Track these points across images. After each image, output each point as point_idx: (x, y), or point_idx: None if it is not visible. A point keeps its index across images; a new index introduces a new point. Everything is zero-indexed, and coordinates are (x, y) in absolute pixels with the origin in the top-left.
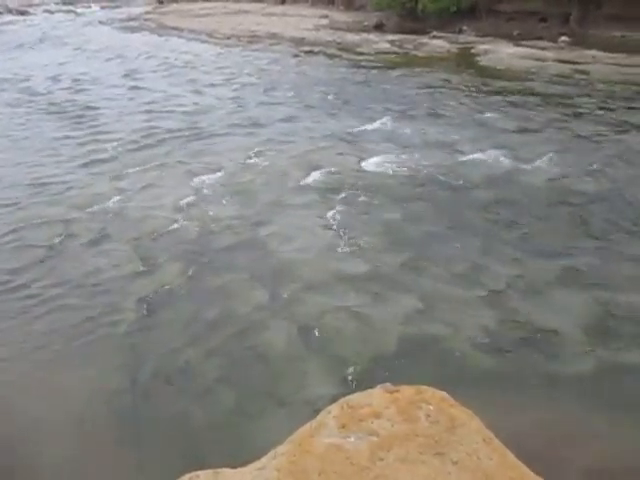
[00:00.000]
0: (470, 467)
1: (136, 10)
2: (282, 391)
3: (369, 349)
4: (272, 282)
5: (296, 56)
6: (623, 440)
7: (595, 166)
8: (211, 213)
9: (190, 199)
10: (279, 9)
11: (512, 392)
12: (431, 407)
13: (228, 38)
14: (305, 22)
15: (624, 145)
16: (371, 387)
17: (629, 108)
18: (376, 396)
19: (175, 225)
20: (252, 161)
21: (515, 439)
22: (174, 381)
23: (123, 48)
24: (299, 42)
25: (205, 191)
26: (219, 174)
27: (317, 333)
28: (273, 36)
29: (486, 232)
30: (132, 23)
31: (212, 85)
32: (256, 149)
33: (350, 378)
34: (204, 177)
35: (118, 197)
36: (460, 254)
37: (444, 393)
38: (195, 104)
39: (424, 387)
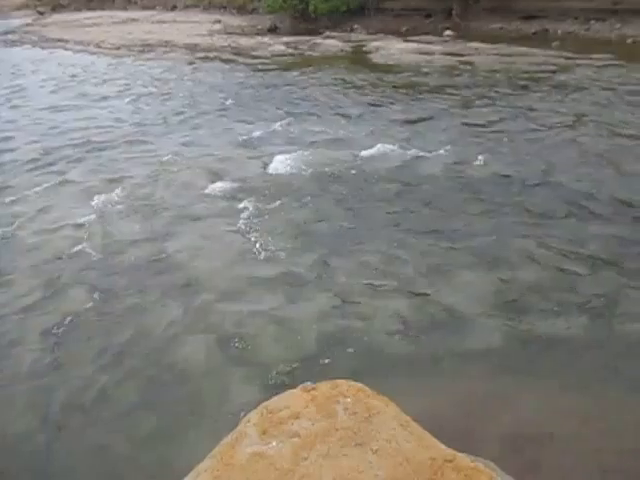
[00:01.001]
0: (390, 453)
1: (14, 22)
2: (204, 406)
3: (289, 351)
4: (184, 296)
5: (191, 63)
6: (534, 406)
7: (486, 151)
8: (115, 232)
9: (91, 219)
10: (170, 16)
11: (427, 374)
12: (348, 400)
13: (118, 48)
14: (198, 28)
15: (510, 129)
16: (293, 389)
17: (512, 94)
18: (294, 397)
19: (76, 248)
20: (153, 174)
21: (433, 419)
22: (89, 412)
23: (1, 63)
24: (193, 49)
25: (107, 209)
26: (120, 190)
27: (235, 342)
28: (166, 44)
29: (391, 222)
30: (10, 36)
31: (105, 98)
32: (157, 161)
33: (272, 382)
34: (104, 194)
35: (12, 223)
36: (369, 246)
37: (360, 384)
38: (88, 118)
39: (340, 381)
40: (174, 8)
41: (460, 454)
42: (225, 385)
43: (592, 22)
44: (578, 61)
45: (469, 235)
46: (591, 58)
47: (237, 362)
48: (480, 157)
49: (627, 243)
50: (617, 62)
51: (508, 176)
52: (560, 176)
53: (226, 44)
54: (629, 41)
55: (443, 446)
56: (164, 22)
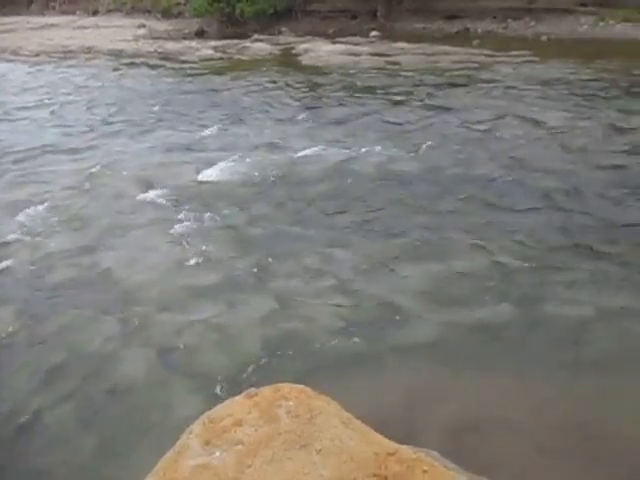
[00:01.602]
0: (334, 452)
1: None
2: (146, 422)
3: (232, 358)
4: (120, 310)
5: (116, 69)
6: (475, 394)
7: (416, 147)
8: (43, 248)
9: (17, 236)
10: (91, 21)
11: (370, 370)
12: (291, 403)
13: (37, 55)
14: (122, 33)
15: (438, 126)
16: (237, 396)
17: (437, 92)
18: (237, 404)
19: (1, 266)
20: (83, 185)
21: (376, 414)
22: (23, 438)
23: None
24: (118, 54)
25: (33, 224)
26: (47, 203)
27: (176, 353)
28: (88, 50)
29: (329, 222)
30: None
31: (25, 108)
32: (85, 172)
33: (217, 392)
34: (30, 209)
35: None
36: (306, 248)
37: (302, 386)
38: (8, 131)
39: (282, 385)
40: (95, 13)
41: (403, 446)
42: (168, 398)
43: (509, 21)
44: (498, 58)
45: (405, 230)
46: (510, 55)
47: (179, 374)
48: (411, 154)
49: (554, 232)
50: (534, 58)
51: (439, 171)
52: (486, 170)
53: (152, 49)
54: (544, 38)
55: (386, 440)
56: (85, 27)
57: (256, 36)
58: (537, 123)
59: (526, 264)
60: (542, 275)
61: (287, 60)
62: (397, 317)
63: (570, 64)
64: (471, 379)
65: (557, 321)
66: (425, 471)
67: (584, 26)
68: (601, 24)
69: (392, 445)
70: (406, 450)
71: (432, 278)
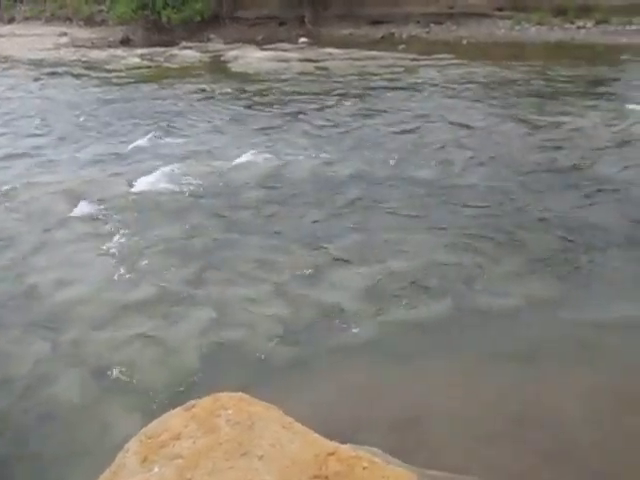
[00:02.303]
0: (275, 457)
1: None
2: (82, 444)
3: (171, 371)
4: (51, 330)
5: (37, 79)
6: (415, 389)
7: (348, 151)
8: None
9: None
10: (7, 29)
11: (311, 372)
12: (230, 411)
13: None
14: (42, 41)
15: (368, 129)
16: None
17: (366, 95)
18: (174, 418)
19: None
20: (5, 202)
21: (319, 415)
22: None
23: None
24: (38, 64)
25: None
26: None
27: (113, 371)
28: (6, 59)
29: (264, 229)
30: None
31: None
32: (8, 187)
33: (156, 407)
34: None
35: None
36: (243, 255)
37: (241, 394)
38: None
39: (221, 394)
40: (12, 21)
41: (343, 445)
42: (105, 418)
43: (432, 25)
44: (422, 62)
45: (340, 233)
46: (434, 58)
47: (116, 392)
48: (343, 157)
49: (482, 228)
50: (456, 61)
51: (370, 173)
52: (415, 171)
53: (75, 58)
54: (464, 42)
55: (326, 441)
56: (1, 36)
57: (184, 43)
58: (461, 123)
59: (456, 260)
60: (472, 270)
61: (217, 67)
62: (335, 319)
63: (490, 66)
64: (409, 375)
65: (488, 313)
66: (365, 468)
67: (502, 29)
68: (517, 27)
69: (332, 445)
70: (346, 449)
71: (368, 279)
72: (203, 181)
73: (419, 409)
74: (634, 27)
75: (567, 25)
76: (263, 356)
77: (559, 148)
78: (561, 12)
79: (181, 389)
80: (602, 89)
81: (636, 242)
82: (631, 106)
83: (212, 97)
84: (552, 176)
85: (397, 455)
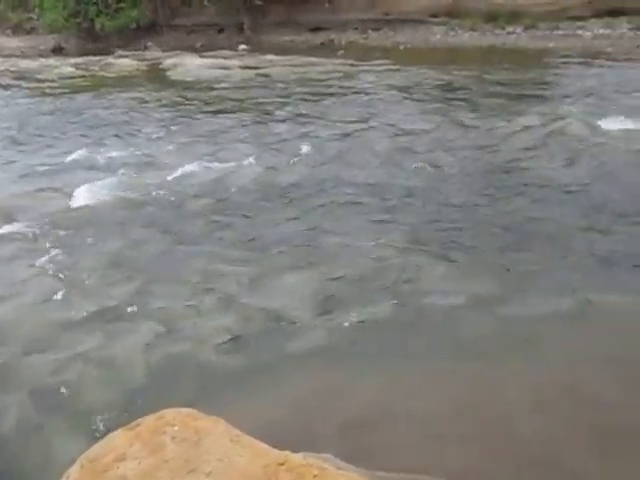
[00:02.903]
0: (224, 471)
1: None
2: (23, 473)
3: (116, 390)
4: None
5: None
6: (366, 392)
7: (290, 157)
8: None
9: None
10: None
11: (261, 382)
12: (176, 428)
13: None
14: None
15: (310, 134)
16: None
17: (308, 101)
18: (117, 439)
19: None
20: None
21: (271, 426)
22: None
23: None
24: None
25: None
26: None
27: (53, 393)
28: None
29: (209, 238)
30: None
31: None
32: None
33: (101, 428)
34: None
35: None
36: (189, 266)
37: (187, 409)
38: None
39: (166, 411)
40: None
41: (294, 454)
42: (46, 443)
43: (370, 32)
44: (362, 67)
45: (284, 239)
46: (372, 64)
47: (57, 415)
48: (285, 163)
49: (425, 228)
50: (394, 66)
51: (313, 178)
52: (358, 174)
53: (3, 68)
54: (401, 47)
55: (276, 451)
56: None
57: (120, 52)
58: (400, 127)
59: (401, 261)
60: (417, 270)
61: (155, 76)
62: (284, 325)
63: (426, 70)
64: (359, 378)
65: (432, 313)
66: (315, 476)
67: (436, 35)
68: (451, 33)
69: (282, 455)
70: (296, 458)
71: (314, 283)
72: (144, 192)
73: (371, 411)
74: (560, 32)
75: (498, 30)
76: (211, 368)
77: (496, 150)
78: (492, 18)
79: (126, 408)
80: (533, 91)
81: (571, 239)
82: (561, 107)
83: (151, 106)
84: (489, 177)
85: (350, 459)
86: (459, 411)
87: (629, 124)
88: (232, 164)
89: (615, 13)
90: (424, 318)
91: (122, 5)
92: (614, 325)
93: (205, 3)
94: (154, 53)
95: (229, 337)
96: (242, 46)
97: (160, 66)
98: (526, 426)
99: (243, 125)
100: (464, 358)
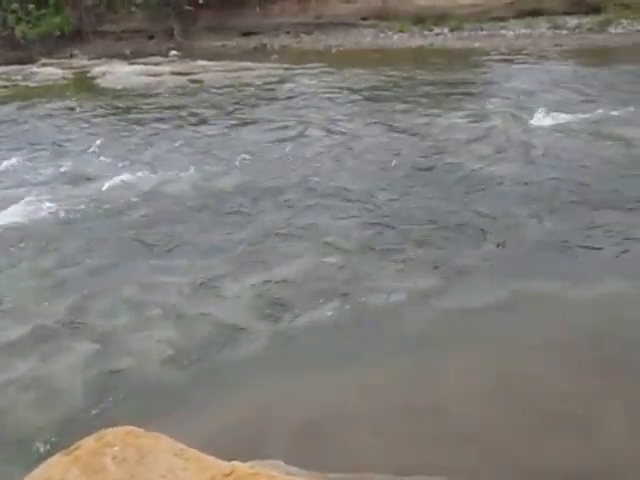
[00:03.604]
0: None
1: None
2: None
3: (52, 414)
4: None
5: None
6: (315, 396)
7: (228, 163)
8: None
9: None
10: None
11: (207, 393)
12: (116, 448)
13: None
14: None
15: (246, 140)
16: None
17: (243, 106)
18: (54, 465)
19: None
20: None
21: (218, 437)
22: None
23: None
24: None
25: None
26: None
27: None
28: None
29: (147, 250)
30: None
31: None
32: None
33: (39, 453)
34: None
35: None
36: (127, 280)
37: (129, 427)
38: None
39: (106, 431)
40: None
41: (241, 464)
42: None
43: (302, 35)
44: (296, 71)
45: (226, 246)
46: (306, 67)
47: None
48: (222, 169)
49: (362, 228)
50: (327, 69)
51: (252, 184)
52: (295, 177)
53: None
54: (334, 50)
55: (222, 462)
56: None
57: (44, 60)
58: (335, 129)
59: (342, 262)
60: (359, 269)
61: (83, 84)
62: (230, 334)
63: (359, 72)
64: (310, 381)
65: (377, 310)
66: None
67: (367, 37)
68: (382, 35)
69: (228, 466)
70: (243, 467)
71: (257, 289)
72: (77, 206)
73: (321, 414)
74: (485, 32)
75: (426, 32)
76: (154, 383)
77: (430, 147)
78: (420, 20)
79: (65, 431)
80: (462, 90)
81: (503, 231)
82: (488, 105)
83: (80, 116)
84: (425, 174)
85: (301, 464)
86: (406, 406)
87: (553, 118)
88: (168, 173)
89: (534, 13)
90: (368, 317)
91: (44, 12)
92: (545, 311)
93: (132, 9)
94: (81, 61)
95: (172, 350)
96: (173, 52)
97: (88, 74)
98: (470, 414)
99: (177, 133)
100: (409, 353)
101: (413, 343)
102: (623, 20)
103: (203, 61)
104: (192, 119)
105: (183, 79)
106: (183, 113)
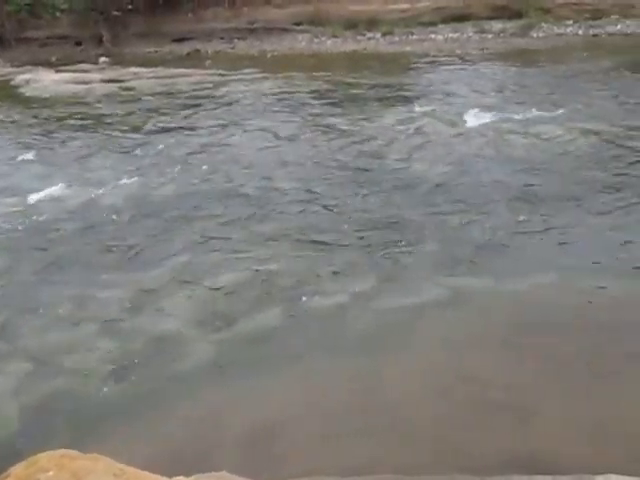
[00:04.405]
0: None
1: None
2: None
3: None
4: None
5: None
6: (262, 405)
7: (162, 171)
8: None
9: None
10: None
11: (148, 409)
12: (50, 473)
13: None
14: None
15: (179, 147)
16: None
17: (177, 114)
18: None
19: None
20: None
21: (161, 454)
22: None
23: None
24: None
25: None
26: None
27: None
28: None
29: (82, 263)
30: None
31: None
32: None
33: None
34: None
35: None
36: (61, 296)
37: (63, 450)
38: None
39: (38, 456)
40: None
41: (185, 478)
42: None
43: (236, 41)
44: (231, 77)
45: (163, 257)
46: (241, 73)
47: None
48: (158, 178)
49: (302, 232)
50: (263, 75)
51: (187, 191)
52: (233, 183)
53: None
54: (269, 55)
55: (164, 478)
56: None
57: None
58: (272, 134)
59: (281, 268)
60: (297, 275)
61: (6, 93)
62: (171, 347)
63: (294, 76)
64: (254, 388)
65: (319, 313)
66: None
67: (302, 43)
68: (316, 40)
69: None
70: None
71: (198, 300)
72: (3, 220)
73: (267, 421)
74: (415, 37)
75: (359, 37)
76: (92, 402)
77: (365, 150)
78: (352, 25)
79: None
80: (395, 93)
81: (438, 230)
82: (420, 107)
83: (5, 127)
84: (360, 177)
85: (248, 473)
86: (351, 407)
87: (482, 118)
88: (99, 184)
89: (461, 18)
90: (310, 321)
91: None
92: (480, 308)
93: (57, 14)
94: (3, 69)
95: (110, 366)
96: (103, 59)
97: (11, 83)
98: (415, 411)
99: (109, 142)
100: (352, 355)
101: (356, 344)
102: (544, 24)
103: (135, 68)
104: (124, 128)
105: (114, 87)
106: (114, 122)
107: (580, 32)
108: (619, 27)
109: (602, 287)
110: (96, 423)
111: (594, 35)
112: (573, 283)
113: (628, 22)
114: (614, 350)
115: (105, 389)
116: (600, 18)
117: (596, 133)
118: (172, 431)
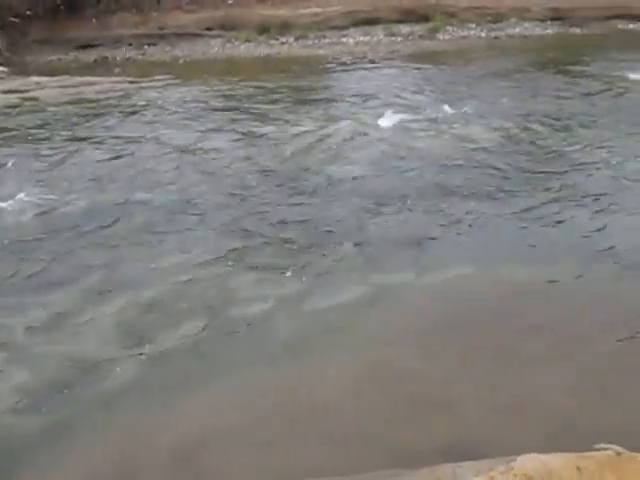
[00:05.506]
0: None
1: None
2: None
3: None
4: None
5: None
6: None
7: (72, 186)
8: None
9: None
10: None
11: (69, 438)
12: None
13: None
14: None
15: (87, 159)
16: None
17: (85, 124)
18: None
19: None
20: None
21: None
22: None
23: None
24: None
25: None
26: None
27: None
28: None
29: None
30: None
31: None
32: None
33: None
34: None
35: None
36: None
37: None
38: None
39: None
40: None
41: None
42: None
43: (146, 47)
44: (142, 84)
45: (77, 274)
46: (153, 80)
47: None
48: (66, 193)
49: (224, 238)
50: (175, 81)
51: (96, 206)
52: (144, 193)
53: None
54: (181, 61)
55: None
56: None
57: None
58: (185, 142)
59: (203, 277)
60: (224, 282)
61: None
62: (90, 368)
63: (208, 82)
64: (182, 403)
65: (247, 320)
66: None
67: (214, 48)
68: (228, 45)
69: None
70: None
71: (117, 317)
72: None
73: (198, 436)
74: (327, 40)
75: (272, 41)
76: (7, 436)
77: (281, 154)
78: (264, 30)
79: None
80: (310, 96)
81: (361, 231)
82: (335, 109)
83: None
84: (279, 182)
85: None
86: (283, 413)
87: (395, 119)
88: (2, 201)
89: (371, 22)
90: (237, 329)
91: None
92: (403, 303)
93: None
94: None
95: (23, 396)
96: (1, 69)
97: None
98: (349, 411)
99: (9, 157)
100: (281, 359)
101: (284, 348)
102: (449, 27)
103: (37, 77)
104: (27, 141)
105: (14, 98)
106: (16, 135)
107: (483, 34)
108: (517, 30)
109: (515, 275)
110: (12, 458)
111: (495, 37)
112: (489, 273)
113: (526, 24)
114: (530, 336)
115: (17, 421)
116: (501, 21)
117: (505, 128)
118: (96, 456)
